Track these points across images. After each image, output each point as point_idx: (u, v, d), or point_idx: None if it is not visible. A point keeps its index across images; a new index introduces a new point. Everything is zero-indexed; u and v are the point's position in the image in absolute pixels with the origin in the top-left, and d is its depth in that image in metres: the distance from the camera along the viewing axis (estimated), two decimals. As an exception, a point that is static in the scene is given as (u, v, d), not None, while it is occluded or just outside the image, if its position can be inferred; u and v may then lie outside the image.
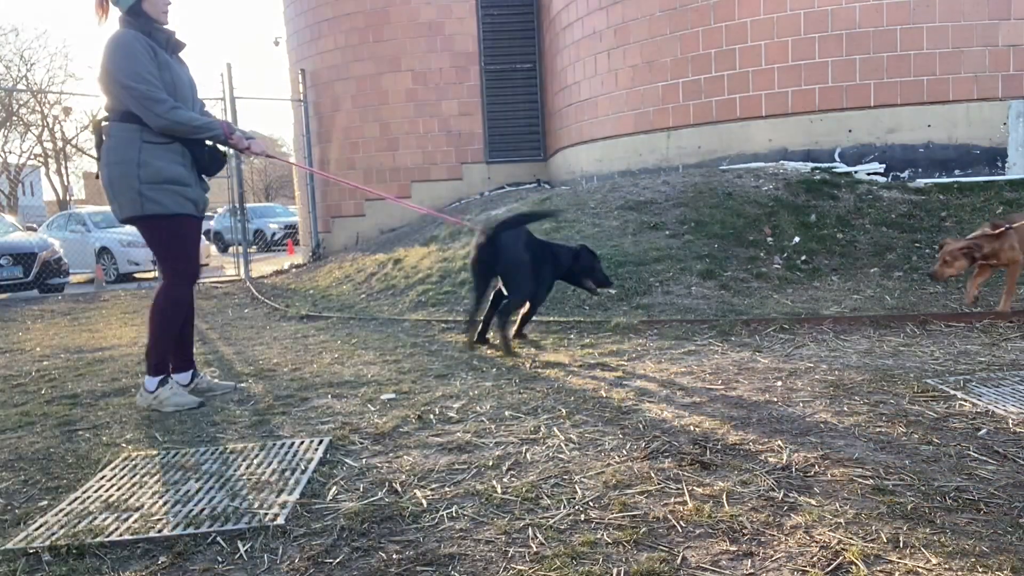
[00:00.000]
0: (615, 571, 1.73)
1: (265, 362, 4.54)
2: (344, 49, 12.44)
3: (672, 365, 3.76)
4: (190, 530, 2.06)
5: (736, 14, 8.25)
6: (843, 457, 2.36)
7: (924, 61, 7.65)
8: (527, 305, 4.52)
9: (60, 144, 34.29)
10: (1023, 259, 4.42)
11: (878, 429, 2.61)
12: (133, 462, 2.70)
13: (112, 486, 2.45)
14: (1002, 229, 4.38)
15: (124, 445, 2.93)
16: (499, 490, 2.24)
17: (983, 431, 2.53)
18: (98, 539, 2.03)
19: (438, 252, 7.58)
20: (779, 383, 3.30)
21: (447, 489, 2.28)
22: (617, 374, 3.63)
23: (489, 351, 4.39)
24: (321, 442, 2.79)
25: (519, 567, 1.78)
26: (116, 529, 2.09)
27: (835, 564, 1.71)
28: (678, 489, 2.18)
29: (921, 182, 7.48)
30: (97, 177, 3.46)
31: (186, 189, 3.40)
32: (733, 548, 1.82)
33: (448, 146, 12.26)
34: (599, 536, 1.91)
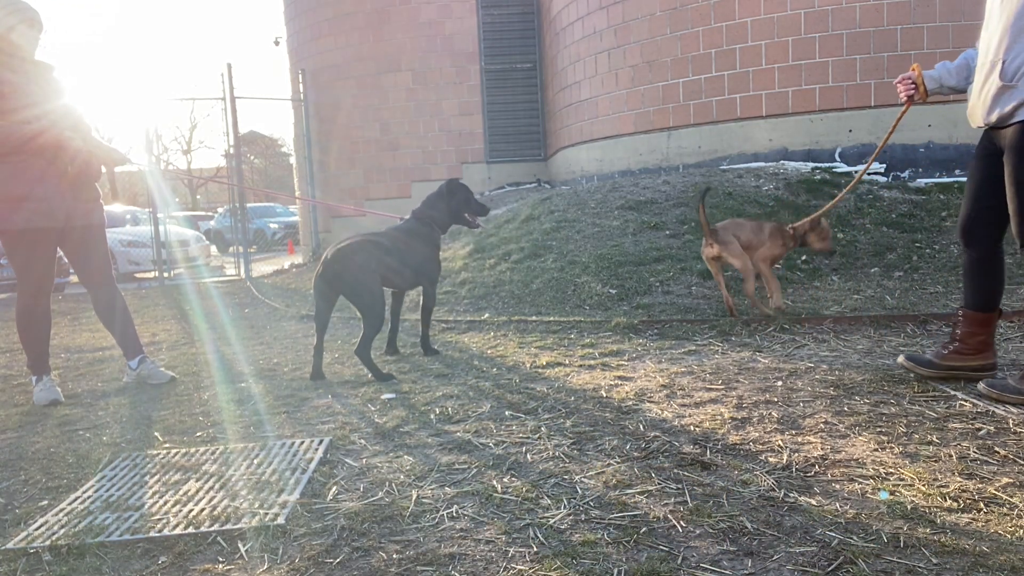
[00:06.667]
0: (615, 571, 1.73)
1: (265, 362, 4.55)
2: (344, 49, 12.44)
3: (672, 365, 3.75)
4: (190, 530, 2.06)
5: (736, 14, 8.25)
6: (843, 457, 2.36)
7: (925, 61, 7.64)
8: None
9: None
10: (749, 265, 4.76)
11: (878, 429, 2.61)
12: (133, 462, 2.70)
13: (112, 486, 2.45)
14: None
15: (124, 445, 2.94)
16: (499, 490, 2.24)
17: (983, 431, 2.53)
18: (98, 539, 2.03)
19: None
20: (779, 383, 3.30)
21: (447, 489, 2.28)
22: (617, 374, 3.63)
23: (490, 351, 4.39)
24: (321, 442, 2.79)
25: (519, 567, 1.78)
26: (116, 529, 2.10)
27: (835, 564, 1.71)
28: (678, 489, 2.18)
29: (921, 182, 7.48)
30: None
31: None
32: (733, 548, 1.82)
33: (448, 146, 12.26)
34: (599, 536, 1.91)
